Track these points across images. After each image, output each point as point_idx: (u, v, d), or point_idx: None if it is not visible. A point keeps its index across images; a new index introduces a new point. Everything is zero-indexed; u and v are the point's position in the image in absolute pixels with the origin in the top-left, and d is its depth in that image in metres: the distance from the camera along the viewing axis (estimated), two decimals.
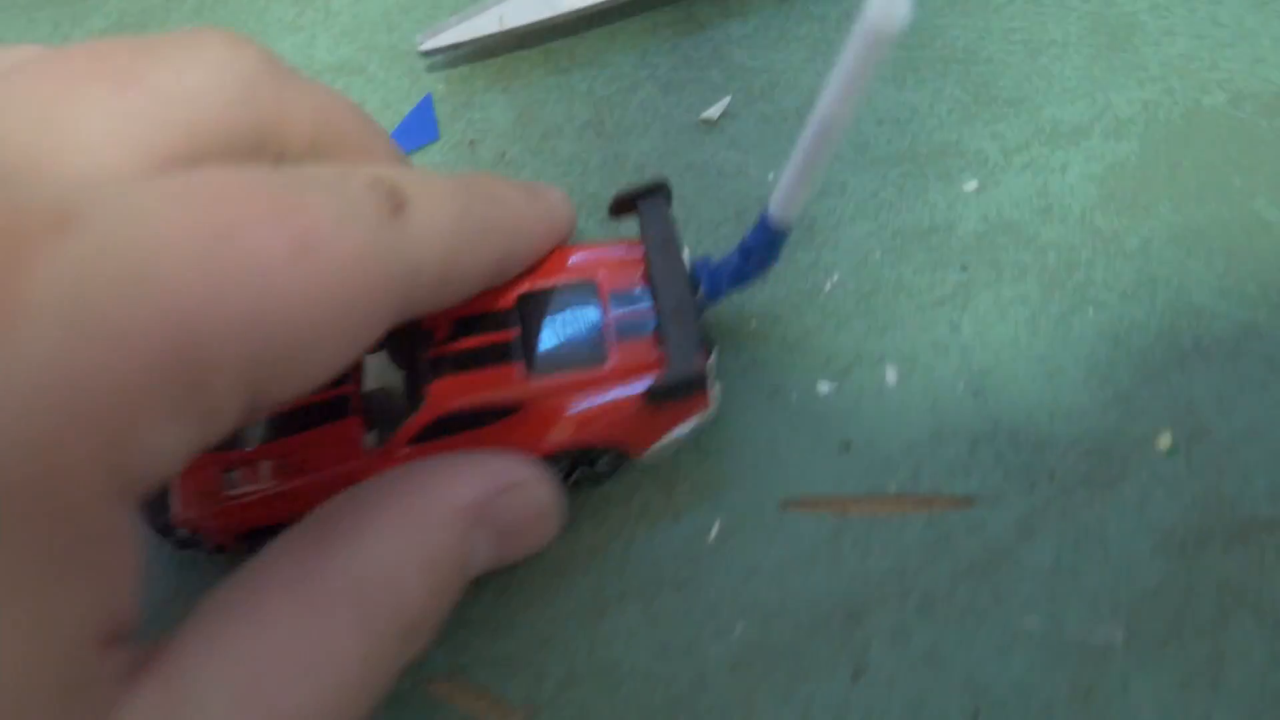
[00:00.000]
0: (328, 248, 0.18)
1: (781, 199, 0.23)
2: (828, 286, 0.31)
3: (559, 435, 0.26)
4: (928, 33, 0.35)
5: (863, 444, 0.29)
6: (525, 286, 0.27)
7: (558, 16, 0.36)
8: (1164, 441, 0.28)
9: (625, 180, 0.34)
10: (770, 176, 0.33)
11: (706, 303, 0.27)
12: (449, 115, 0.37)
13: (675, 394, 0.25)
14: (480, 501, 0.23)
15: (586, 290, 0.27)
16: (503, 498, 0.23)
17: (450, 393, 0.25)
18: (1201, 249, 0.30)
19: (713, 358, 0.27)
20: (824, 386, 0.30)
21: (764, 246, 0.25)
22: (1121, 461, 0.27)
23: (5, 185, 0.17)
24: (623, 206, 0.28)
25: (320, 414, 0.27)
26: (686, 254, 0.27)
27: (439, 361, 0.26)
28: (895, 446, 0.29)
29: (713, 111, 0.35)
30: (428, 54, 0.36)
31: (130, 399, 0.16)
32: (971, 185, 0.32)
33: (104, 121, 0.20)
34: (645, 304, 0.27)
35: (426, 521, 0.22)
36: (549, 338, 0.26)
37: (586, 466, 0.28)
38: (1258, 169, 0.31)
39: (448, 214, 0.22)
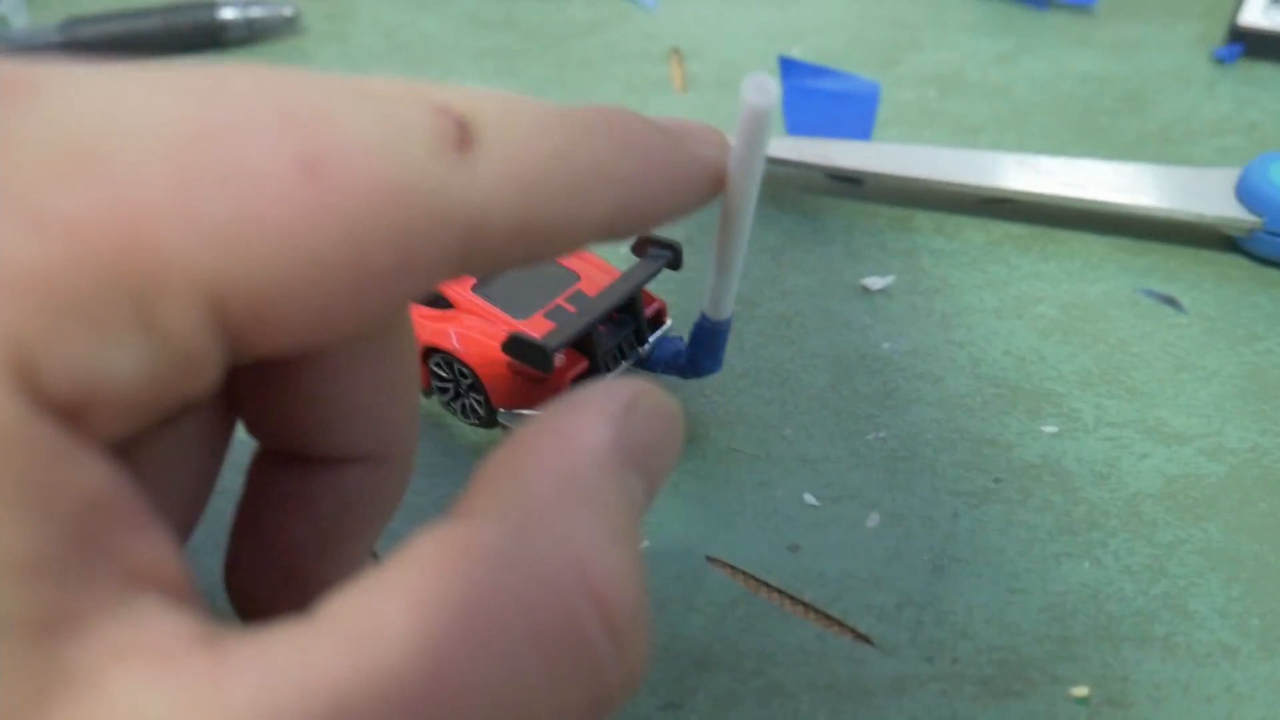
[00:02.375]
0: (347, 173, 0.15)
1: (710, 299, 0.28)
2: (870, 437, 0.33)
3: (448, 339, 0.31)
4: (1082, 306, 0.37)
5: (809, 553, 0.30)
6: None
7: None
8: (1079, 691, 0.27)
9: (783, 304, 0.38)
10: (894, 347, 0.36)
11: (647, 366, 0.32)
12: None
13: (518, 352, 0.29)
14: (619, 431, 0.18)
15: (566, 277, 0.33)
16: (631, 418, 0.18)
17: None
18: (1223, 569, 0.29)
19: (619, 369, 0.31)
20: (810, 499, 0.31)
21: (703, 343, 0.30)
22: (1027, 684, 0.27)
23: None
24: (639, 247, 0.32)
25: None
26: (670, 325, 0.33)
27: None
28: (835, 569, 0.30)
29: (876, 282, 0.38)
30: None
31: (48, 294, 0.13)
32: (1051, 429, 0.33)
33: None
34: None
35: (586, 480, 0.17)
36: (507, 279, 0.32)
37: (465, 397, 0.32)
38: None
39: (536, 156, 0.18)
